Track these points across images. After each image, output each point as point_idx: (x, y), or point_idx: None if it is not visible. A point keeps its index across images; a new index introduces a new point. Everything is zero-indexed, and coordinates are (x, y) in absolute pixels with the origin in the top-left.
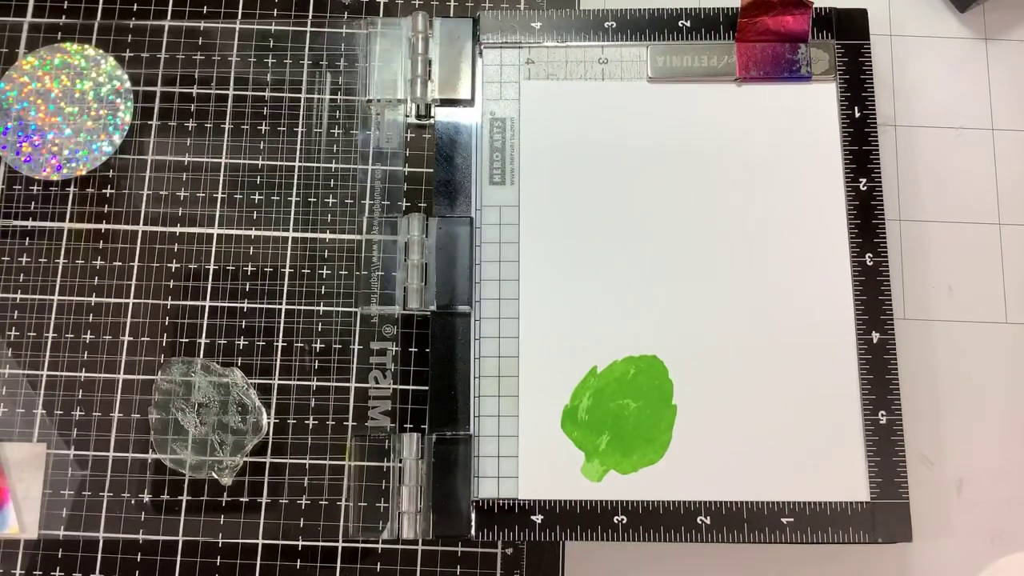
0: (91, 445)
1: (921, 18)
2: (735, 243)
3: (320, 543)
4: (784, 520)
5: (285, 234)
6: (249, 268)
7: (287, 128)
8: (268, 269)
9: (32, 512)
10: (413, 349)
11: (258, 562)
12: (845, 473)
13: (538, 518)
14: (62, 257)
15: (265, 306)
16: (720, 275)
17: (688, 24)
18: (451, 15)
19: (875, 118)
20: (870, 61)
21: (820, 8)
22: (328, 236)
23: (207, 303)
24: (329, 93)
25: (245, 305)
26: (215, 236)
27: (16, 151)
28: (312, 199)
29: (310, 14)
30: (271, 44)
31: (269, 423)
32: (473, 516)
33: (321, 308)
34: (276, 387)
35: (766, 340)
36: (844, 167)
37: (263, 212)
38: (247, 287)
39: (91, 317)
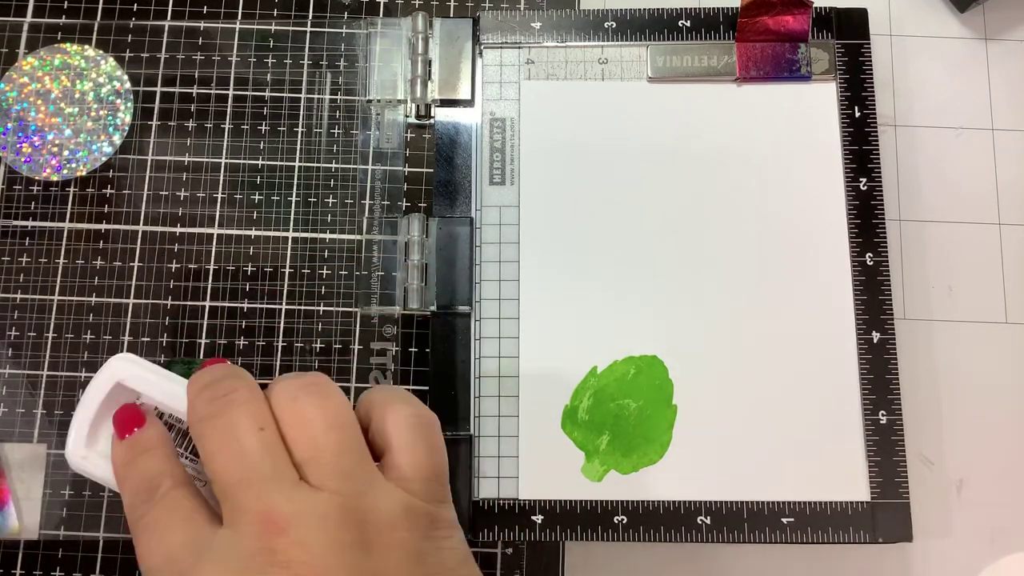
0: None
1: (921, 18)
2: (735, 243)
3: None
4: (784, 520)
5: (285, 234)
6: (249, 268)
7: (287, 128)
8: (268, 269)
9: (32, 512)
10: (413, 349)
11: None
12: (845, 473)
13: (538, 518)
14: (62, 257)
15: (265, 306)
16: (720, 275)
17: (688, 24)
18: (451, 15)
19: (875, 118)
20: (870, 61)
21: (820, 8)
22: (328, 236)
23: (207, 303)
24: (329, 93)
25: (245, 305)
26: (215, 236)
27: (16, 152)
28: (312, 199)
29: (310, 14)
30: (271, 44)
31: None
32: (473, 516)
33: (321, 308)
34: None
35: (766, 340)
36: (844, 167)
37: (263, 212)
38: (247, 287)
39: (91, 317)
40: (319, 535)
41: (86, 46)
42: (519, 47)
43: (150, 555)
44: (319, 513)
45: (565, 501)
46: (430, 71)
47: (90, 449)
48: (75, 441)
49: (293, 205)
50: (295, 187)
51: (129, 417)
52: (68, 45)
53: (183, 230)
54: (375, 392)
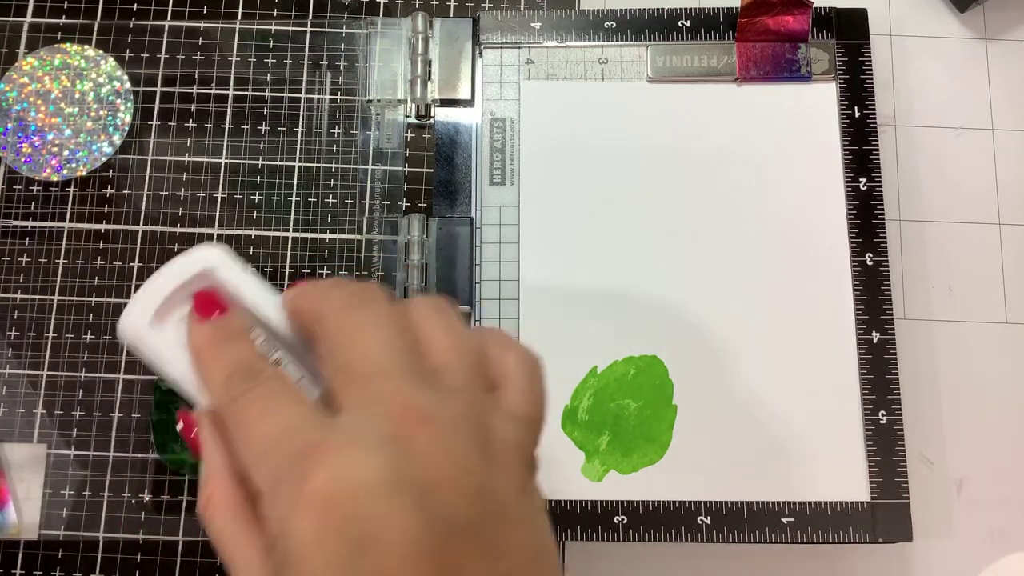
0: (91, 445)
1: (921, 18)
2: (735, 243)
3: None
4: (784, 520)
5: (285, 234)
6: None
7: (287, 128)
8: (268, 269)
9: (32, 512)
10: None
11: None
12: (845, 473)
13: None
14: (62, 257)
15: None
16: (720, 275)
17: (688, 24)
18: (451, 15)
19: (875, 118)
20: (870, 61)
21: (820, 8)
22: (328, 236)
23: None
24: (329, 93)
25: None
26: (215, 236)
27: (16, 152)
28: (312, 199)
29: (310, 14)
30: (271, 44)
31: None
32: None
33: None
34: None
35: (766, 340)
36: (844, 167)
37: (263, 212)
38: None
39: (91, 317)
40: (455, 436)
41: (86, 46)
42: (519, 47)
43: (263, 424)
44: (457, 416)
45: (565, 501)
46: (430, 71)
47: (153, 325)
48: (142, 310)
49: (293, 205)
50: (295, 187)
51: (212, 301)
52: (68, 45)
53: (183, 230)
54: (489, 331)
